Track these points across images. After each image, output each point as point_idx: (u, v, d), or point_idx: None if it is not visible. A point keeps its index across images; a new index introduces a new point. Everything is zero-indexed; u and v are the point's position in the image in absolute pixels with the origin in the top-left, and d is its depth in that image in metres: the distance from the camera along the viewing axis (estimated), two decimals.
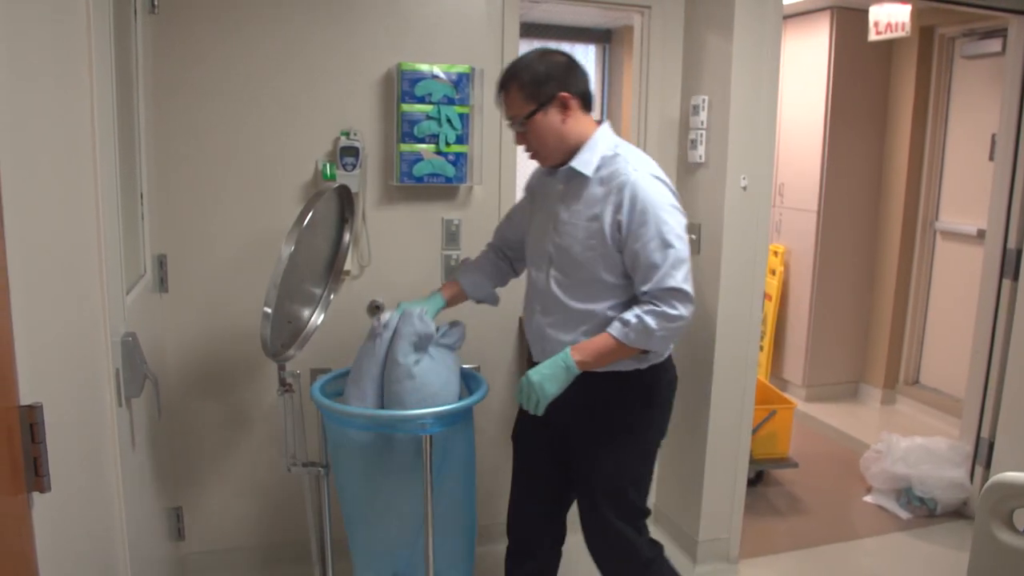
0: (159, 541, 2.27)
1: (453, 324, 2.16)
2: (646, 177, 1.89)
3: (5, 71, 1.01)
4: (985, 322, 3.30)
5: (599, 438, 2.02)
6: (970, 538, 1.59)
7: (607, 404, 2.00)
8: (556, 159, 1.98)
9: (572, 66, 1.96)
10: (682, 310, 1.85)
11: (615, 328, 1.88)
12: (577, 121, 1.94)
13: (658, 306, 1.85)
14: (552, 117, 1.92)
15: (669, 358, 2.09)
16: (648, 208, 1.85)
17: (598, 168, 1.93)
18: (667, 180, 1.95)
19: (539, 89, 1.90)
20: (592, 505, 2.08)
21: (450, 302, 2.21)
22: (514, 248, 2.27)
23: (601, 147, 1.95)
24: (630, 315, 1.87)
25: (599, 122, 2.01)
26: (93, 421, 1.48)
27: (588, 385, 1.93)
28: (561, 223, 1.97)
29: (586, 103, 1.98)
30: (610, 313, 1.94)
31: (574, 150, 1.95)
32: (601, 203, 1.90)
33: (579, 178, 1.95)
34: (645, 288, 1.87)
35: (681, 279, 1.85)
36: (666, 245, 1.85)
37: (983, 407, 3.32)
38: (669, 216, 1.87)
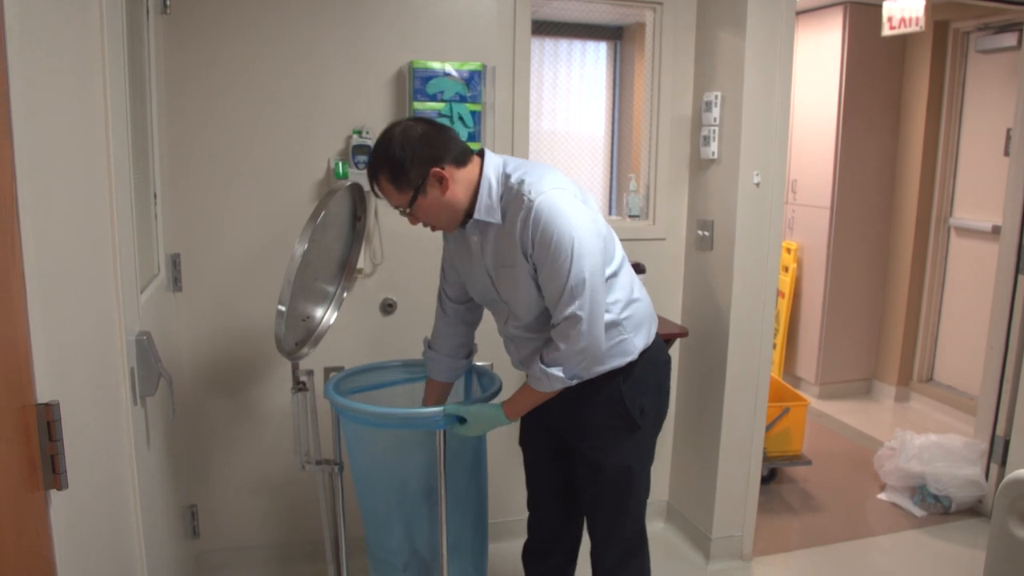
0: (174, 538, 2.28)
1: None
2: (545, 200, 1.77)
3: (19, 74, 1.02)
4: (1000, 319, 3.28)
5: (605, 428, 2.02)
6: (985, 536, 1.59)
7: (608, 398, 1.99)
8: (456, 222, 1.89)
9: (430, 133, 1.82)
10: (573, 335, 1.80)
11: (532, 382, 1.90)
12: (458, 181, 1.82)
13: (559, 347, 1.82)
14: (432, 194, 1.81)
15: (657, 339, 2.06)
16: (548, 235, 1.76)
17: (503, 211, 1.85)
18: (566, 188, 1.83)
19: (408, 176, 1.79)
20: (594, 500, 2.08)
21: (440, 402, 2.22)
22: (464, 302, 2.16)
23: (494, 184, 1.84)
24: (536, 369, 1.87)
25: (479, 153, 1.90)
26: (109, 419, 1.49)
27: (588, 384, 1.93)
28: (496, 275, 1.93)
29: (459, 160, 1.84)
30: None
31: (470, 204, 1.86)
32: (514, 241, 1.83)
33: (490, 226, 1.88)
34: (553, 321, 1.84)
35: (576, 306, 1.78)
36: (565, 272, 1.77)
37: (998, 404, 3.30)
38: (573, 237, 1.76)
